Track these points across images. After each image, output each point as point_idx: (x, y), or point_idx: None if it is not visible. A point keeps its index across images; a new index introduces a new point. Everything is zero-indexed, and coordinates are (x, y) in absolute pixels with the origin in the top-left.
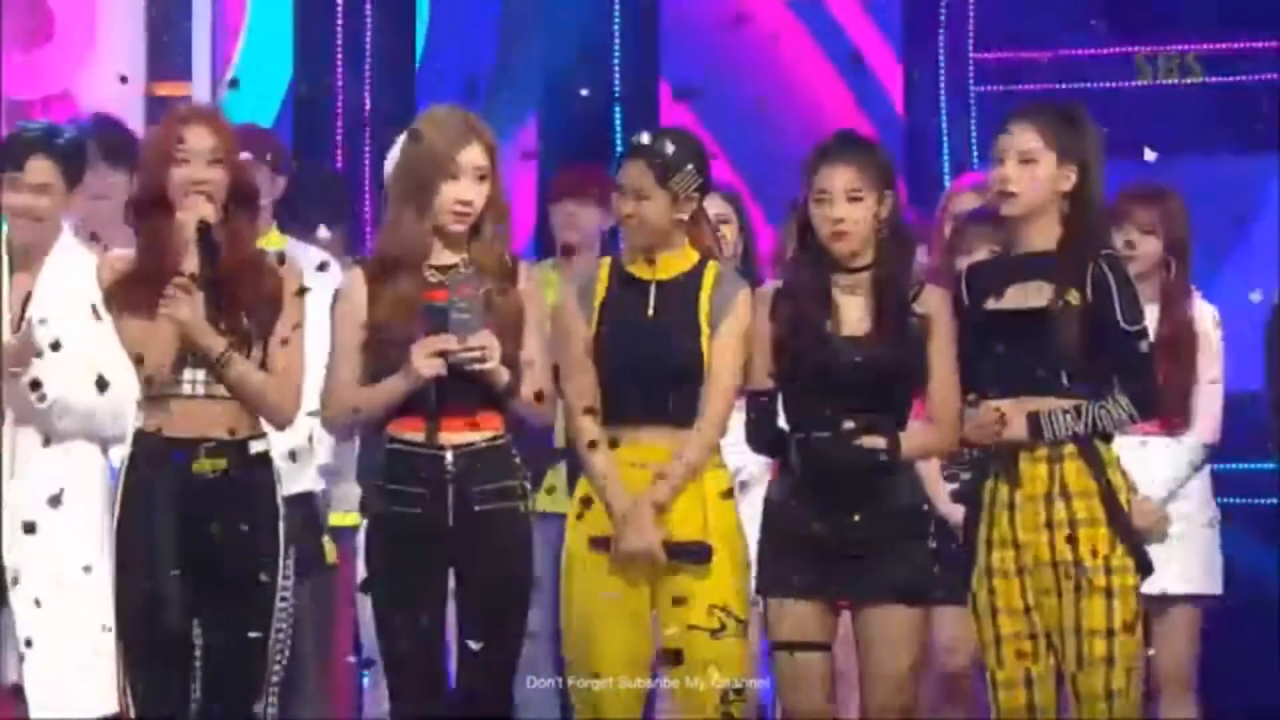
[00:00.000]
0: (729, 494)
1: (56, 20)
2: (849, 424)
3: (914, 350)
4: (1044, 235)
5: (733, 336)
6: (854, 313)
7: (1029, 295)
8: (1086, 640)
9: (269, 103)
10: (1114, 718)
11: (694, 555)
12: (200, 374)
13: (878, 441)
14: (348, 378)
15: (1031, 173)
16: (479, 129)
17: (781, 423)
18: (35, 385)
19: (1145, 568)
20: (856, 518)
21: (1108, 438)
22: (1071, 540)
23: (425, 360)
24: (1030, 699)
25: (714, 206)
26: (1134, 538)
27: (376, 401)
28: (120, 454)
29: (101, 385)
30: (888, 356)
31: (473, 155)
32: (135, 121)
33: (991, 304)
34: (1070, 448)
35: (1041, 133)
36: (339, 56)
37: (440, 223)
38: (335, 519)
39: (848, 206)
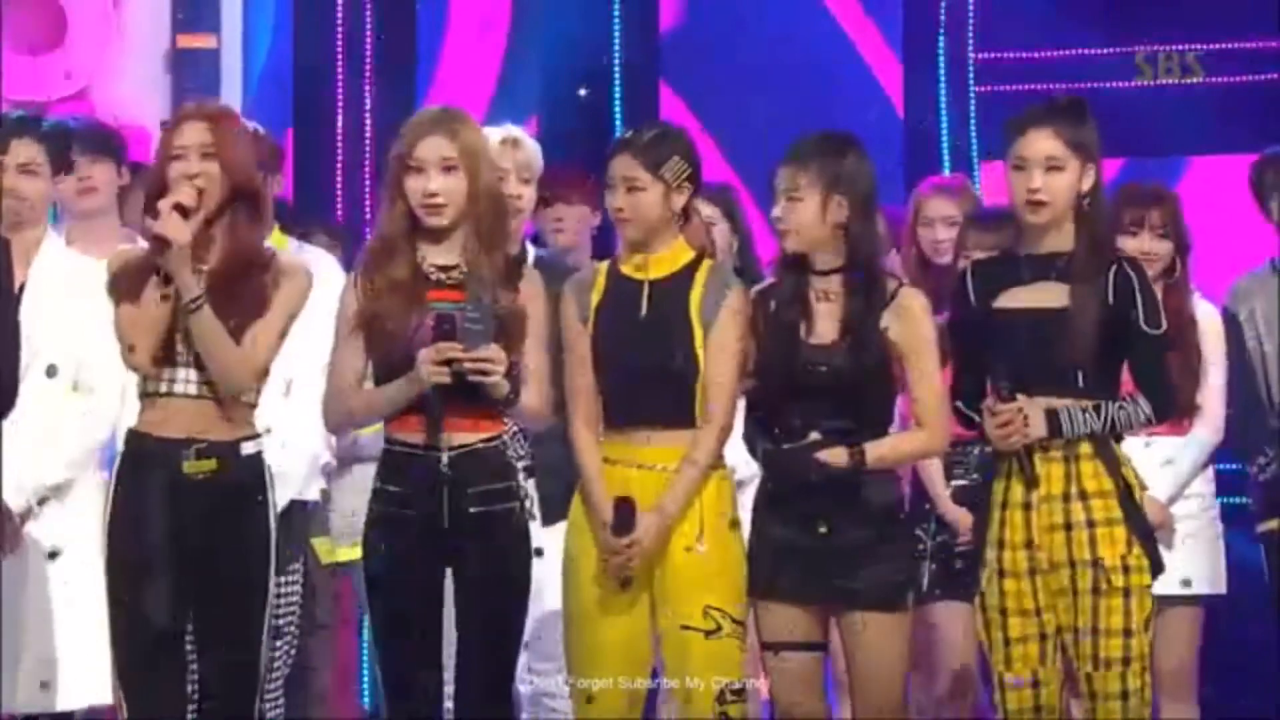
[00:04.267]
0: (733, 524)
1: (70, 22)
2: (815, 435)
3: (883, 357)
4: (1059, 236)
5: (728, 336)
6: (826, 320)
7: (1044, 295)
8: (1104, 640)
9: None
10: (1128, 717)
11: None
12: (193, 373)
13: (838, 457)
14: (348, 378)
15: (1059, 179)
16: (450, 122)
17: None
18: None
19: (1158, 567)
20: (823, 529)
21: (1119, 438)
22: (1090, 540)
23: (432, 368)
24: (1037, 700)
25: (702, 208)
26: (1149, 537)
27: (378, 405)
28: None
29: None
30: (854, 364)
31: (434, 146)
32: (160, 79)
33: (1002, 302)
34: (1086, 447)
35: (1063, 137)
36: (339, 56)
37: (418, 216)
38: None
39: (788, 204)
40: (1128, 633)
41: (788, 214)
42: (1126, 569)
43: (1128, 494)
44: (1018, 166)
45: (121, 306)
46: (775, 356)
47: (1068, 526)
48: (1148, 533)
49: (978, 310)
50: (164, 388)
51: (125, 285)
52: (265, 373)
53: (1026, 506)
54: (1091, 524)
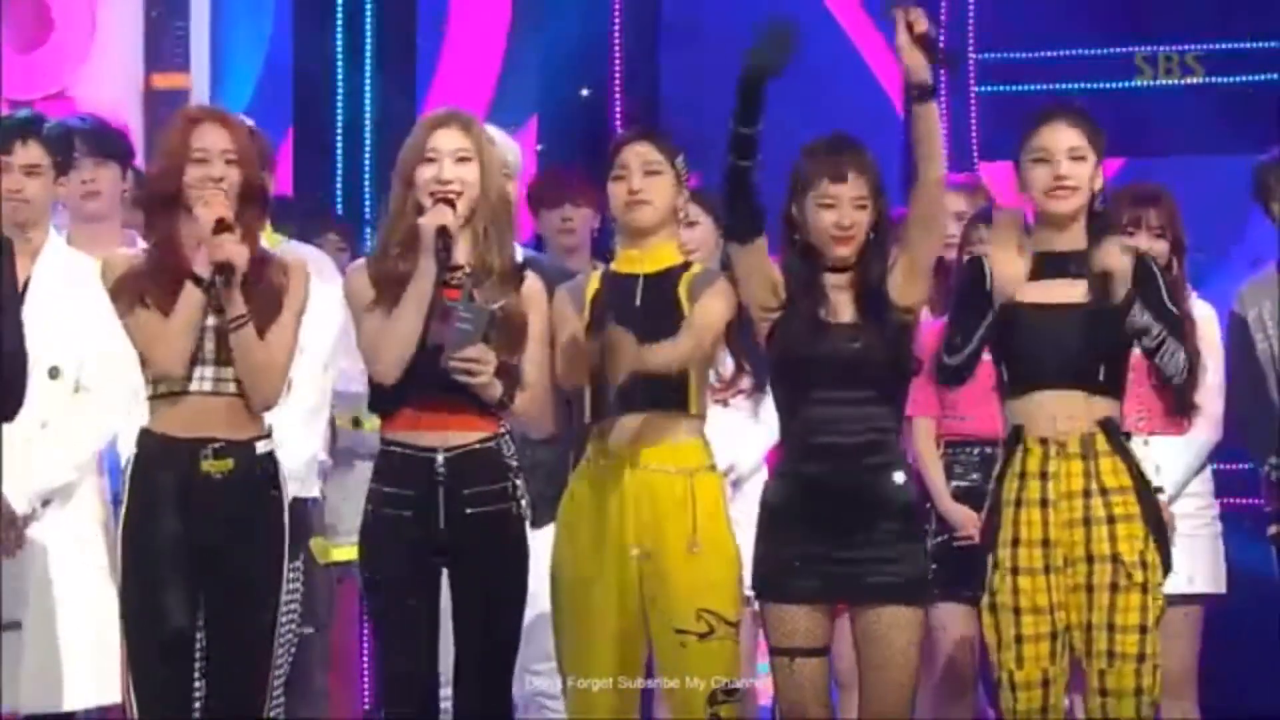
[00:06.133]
0: (727, 524)
1: (55, 20)
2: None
3: (905, 339)
4: (1071, 235)
5: (714, 303)
6: (845, 306)
7: (1064, 291)
8: (1119, 636)
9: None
10: (1140, 715)
11: None
12: (209, 370)
13: None
14: (375, 327)
15: (1083, 169)
16: (462, 118)
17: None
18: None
19: (1168, 566)
20: (851, 519)
21: (1128, 435)
22: (1110, 536)
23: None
24: (1045, 699)
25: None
26: (1163, 535)
27: (403, 319)
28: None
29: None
30: (882, 343)
31: (447, 138)
32: (134, 115)
33: (1019, 297)
34: (1104, 444)
35: (1083, 131)
36: (339, 56)
37: (425, 206)
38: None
39: (855, 213)
40: (1143, 629)
41: (860, 220)
42: (1144, 565)
43: (1144, 490)
44: (1040, 159)
45: (142, 314)
46: (799, 338)
47: (1086, 522)
48: (1162, 530)
49: (995, 302)
50: (179, 386)
51: (136, 294)
52: (286, 372)
53: (1044, 504)
54: (1111, 519)
